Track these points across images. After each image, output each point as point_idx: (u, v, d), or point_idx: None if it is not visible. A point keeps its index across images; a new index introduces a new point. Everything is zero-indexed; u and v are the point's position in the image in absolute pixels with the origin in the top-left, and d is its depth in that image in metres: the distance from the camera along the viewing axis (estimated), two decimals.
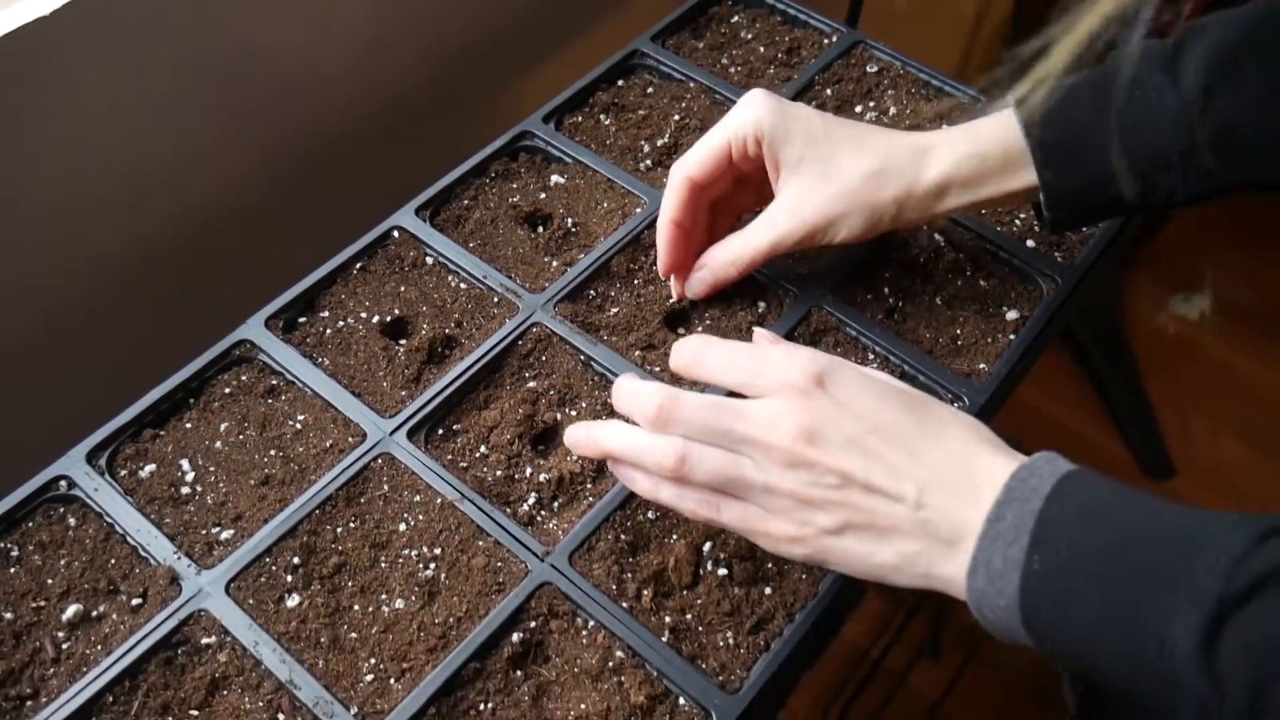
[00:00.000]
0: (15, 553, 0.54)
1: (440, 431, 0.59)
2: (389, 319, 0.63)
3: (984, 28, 1.67)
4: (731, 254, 0.61)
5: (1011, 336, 0.65)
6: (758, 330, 0.55)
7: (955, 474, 0.46)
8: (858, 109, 0.76)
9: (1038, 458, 0.45)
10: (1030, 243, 0.69)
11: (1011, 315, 0.66)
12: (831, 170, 0.58)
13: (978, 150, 0.58)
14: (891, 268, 0.67)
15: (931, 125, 0.74)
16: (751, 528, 0.49)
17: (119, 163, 0.66)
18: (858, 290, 0.66)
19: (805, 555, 0.48)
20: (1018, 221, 0.70)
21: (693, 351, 0.51)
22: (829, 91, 0.76)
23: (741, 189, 0.63)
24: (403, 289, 0.65)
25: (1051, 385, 1.74)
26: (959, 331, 0.65)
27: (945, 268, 0.68)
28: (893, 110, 0.76)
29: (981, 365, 0.63)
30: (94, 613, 0.53)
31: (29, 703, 0.50)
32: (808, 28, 0.81)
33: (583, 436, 0.52)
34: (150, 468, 0.57)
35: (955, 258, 0.68)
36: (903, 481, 0.46)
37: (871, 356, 0.63)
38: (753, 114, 0.59)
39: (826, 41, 0.80)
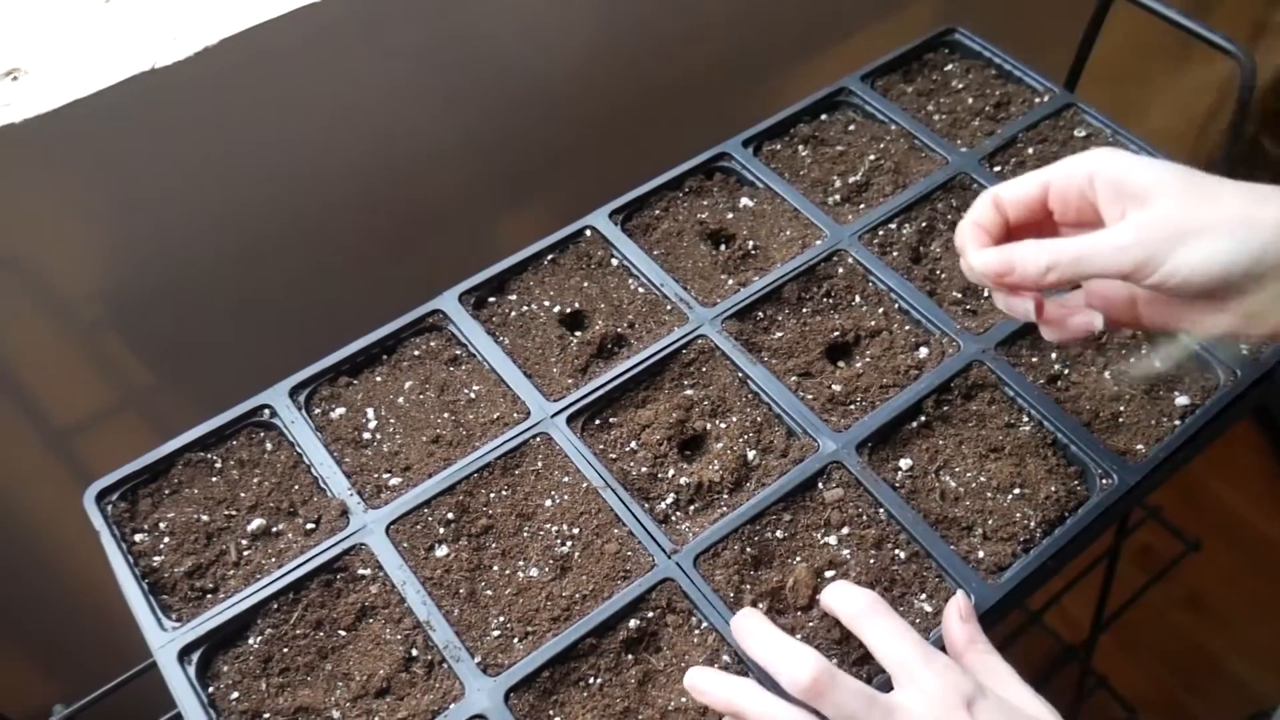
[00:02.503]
0: (219, 464, 0.62)
1: (597, 421, 0.63)
2: (569, 310, 0.68)
3: (1223, 115, 1.60)
4: (1042, 242, 0.51)
5: (1177, 422, 0.63)
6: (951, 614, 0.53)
7: None
8: None
9: None
10: None
11: (1181, 400, 0.64)
12: (1195, 191, 0.47)
13: None
14: None
15: None
16: None
17: (356, 130, 0.73)
18: (1024, 351, 0.66)
19: None
20: None
21: (863, 608, 0.50)
22: (1030, 150, 0.76)
23: None
24: (586, 284, 0.69)
25: (1252, 486, 1.64)
26: (1122, 409, 0.64)
27: (1120, 342, 0.67)
28: None
29: (1140, 446, 0.62)
30: (274, 529, 0.60)
31: (208, 596, 0.57)
32: (1021, 84, 0.81)
33: (714, 689, 0.49)
34: (340, 410, 0.64)
35: (1133, 334, 0.67)
36: None
37: (1025, 419, 0.63)
38: (1084, 155, 0.51)
39: (1038, 100, 0.80)
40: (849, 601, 0.51)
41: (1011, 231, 0.55)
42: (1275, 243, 0.45)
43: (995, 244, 0.54)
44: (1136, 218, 0.48)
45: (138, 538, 0.59)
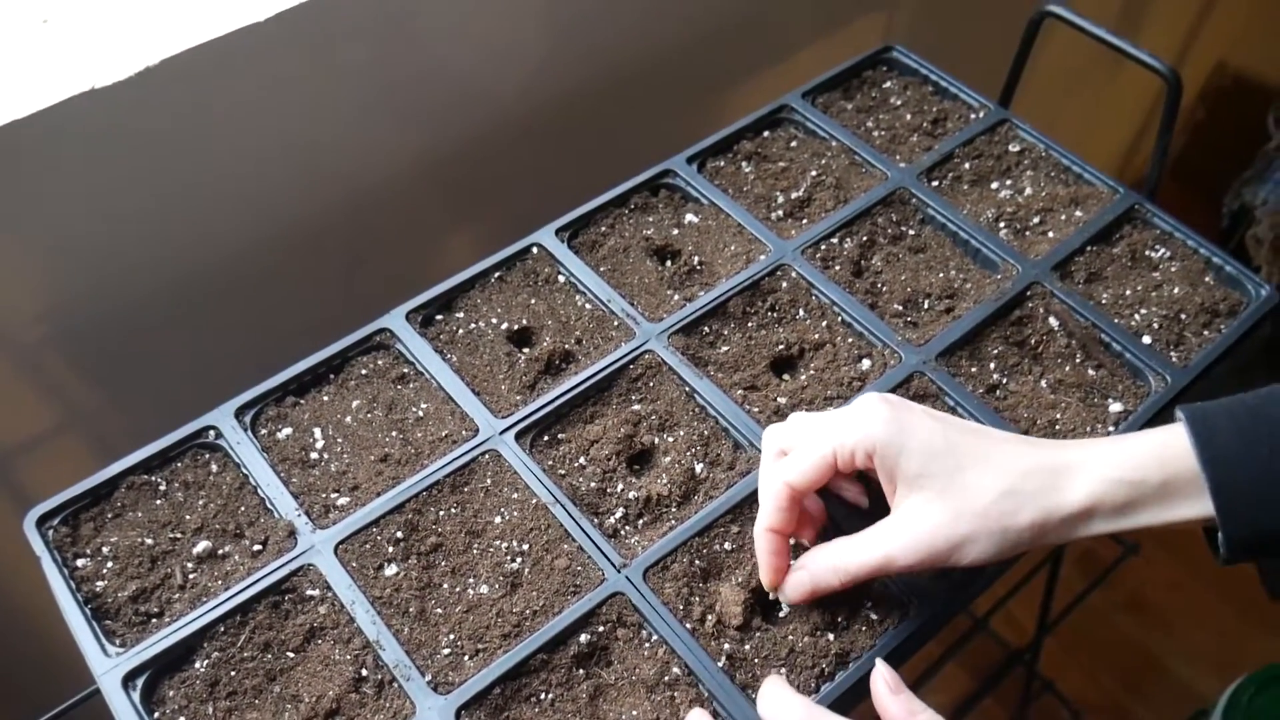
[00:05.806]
0: (163, 487, 0.61)
1: (545, 438, 0.64)
2: (516, 328, 0.69)
3: (1152, 129, 1.65)
4: (836, 561, 0.55)
5: (1111, 429, 0.65)
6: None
7: None
8: (993, 185, 0.78)
9: None
10: (1147, 339, 0.69)
11: (1115, 407, 0.66)
12: (955, 487, 0.52)
13: (1130, 475, 0.51)
14: (1001, 345, 0.69)
15: (1066, 210, 0.76)
16: None
17: (302, 150, 0.73)
18: (964, 361, 0.68)
19: None
20: (1136, 316, 0.70)
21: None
22: (967, 165, 0.78)
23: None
24: (533, 302, 0.70)
25: None
26: (1059, 416, 0.66)
27: (1056, 352, 0.69)
28: (1028, 190, 0.77)
29: None
30: (220, 551, 0.59)
31: (154, 620, 0.56)
32: (957, 100, 0.83)
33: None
34: (287, 431, 0.64)
35: (1068, 344, 0.69)
36: None
37: None
38: (863, 426, 0.53)
39: (974, 116, 0.82)
40: (781, 714, 0.52)
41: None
42: (1028, 541, 0.52)
43: (788, 546, 0.57)
44: (911, 518, 0.53)
45: (80, 563, 0.58)
